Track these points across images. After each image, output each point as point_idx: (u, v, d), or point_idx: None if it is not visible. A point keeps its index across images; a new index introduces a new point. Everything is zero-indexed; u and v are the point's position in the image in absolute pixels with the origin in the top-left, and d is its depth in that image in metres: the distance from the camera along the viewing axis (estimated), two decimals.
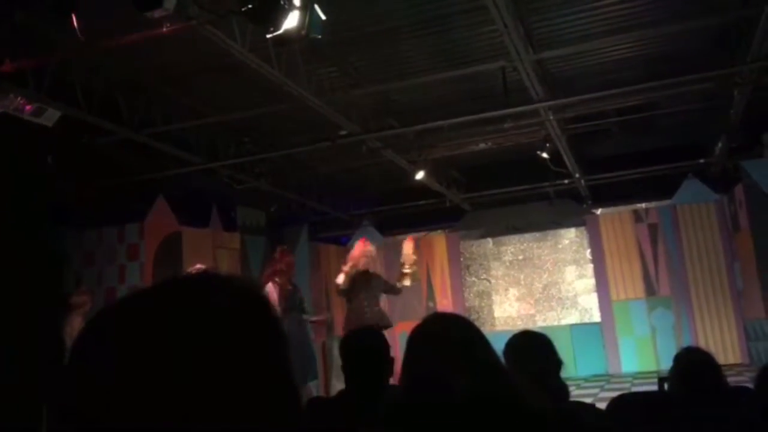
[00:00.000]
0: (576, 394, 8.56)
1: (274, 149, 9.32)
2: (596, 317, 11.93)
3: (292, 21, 4.70)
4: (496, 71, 7.36)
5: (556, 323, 12.11)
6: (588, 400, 4.89)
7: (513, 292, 12.70)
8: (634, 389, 8.83)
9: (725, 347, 10.86)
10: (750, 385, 2.54)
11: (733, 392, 2.74)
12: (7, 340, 6.30)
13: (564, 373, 2.53)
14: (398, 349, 1.80)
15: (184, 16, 4.82)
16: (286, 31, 4.72)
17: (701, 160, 11.15)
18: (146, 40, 5.42)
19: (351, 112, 8.09)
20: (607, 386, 9.86)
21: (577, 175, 11.14)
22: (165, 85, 7.50)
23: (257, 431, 0.61)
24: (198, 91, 7.74)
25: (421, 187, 11.16)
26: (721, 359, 4.00)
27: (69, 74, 6.52)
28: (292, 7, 4.67)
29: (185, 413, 0.58)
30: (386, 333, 3.67)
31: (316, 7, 4.90)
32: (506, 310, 12.68)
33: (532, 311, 12.51)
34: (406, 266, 7.44)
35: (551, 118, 8.49)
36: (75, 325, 6.89)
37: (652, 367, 10.96)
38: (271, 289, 7.12)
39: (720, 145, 10.12)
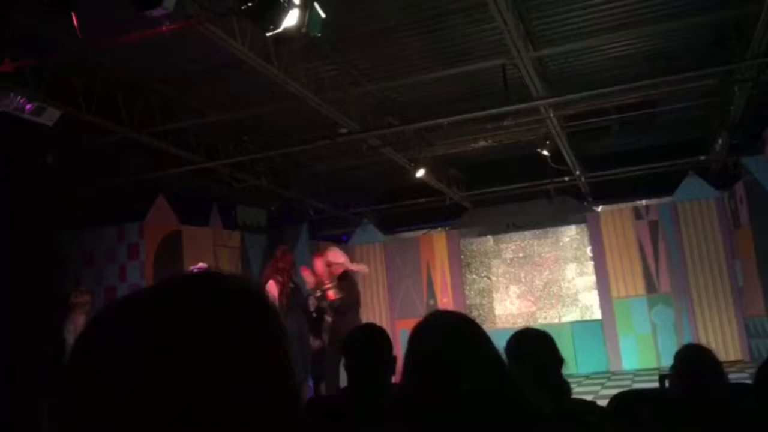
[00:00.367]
0: (577, 391, 8.55)
1: (274, 148, 9.32)
2: (597, 314, 11.94)
3: (291, 19, 4.70)
4: (496, 69, 7.36)
5: (556, 321, 12.11)
6: (589, 398, 4.90)
7: (514, 289, 12.70)
8: (635, 386, 8.84)
9: (726, 344, 10.86)
10: (750, 382, 2.53)
11: (733, 389, 2.73)
12: (7, 340, 6.30)
13: (565, 371, 2.53)
14: (399, 347, 1.80)
15: (183, 15, 4.82)
16: (286, 30, 4.71)
17: (702, 157, 11.15)
18: (146, 40, 5.42)
19: (351, 110, 8.09)
20: (607, 383, 9.86)
21: (577, 173, 11.14)
22: (164, 84, 7.50)
23: (256, 430, 0.61)
24: (198, 89, 7.73)
25: (422, 185, 11.16)
26: (721, 356, 4.01)
27: (69, 74, 6.52)
28: (291, 5, 4.66)
29: (185, 411, 0.58)
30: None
31: (316, 5, 4.90)
32: (507, 307, 12.68)
33: (533, 309, 12.51)
34: (327, 282, 7.41)
35: (551, 115, 8.49)
36: (78, 324, 6.90)
37: (653, 365, 10.97)
38: (272, 287, 7.13)
39: (720, 141, 10.10)
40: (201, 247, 9.55)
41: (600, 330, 11.73)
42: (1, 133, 6.35)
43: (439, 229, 13.73)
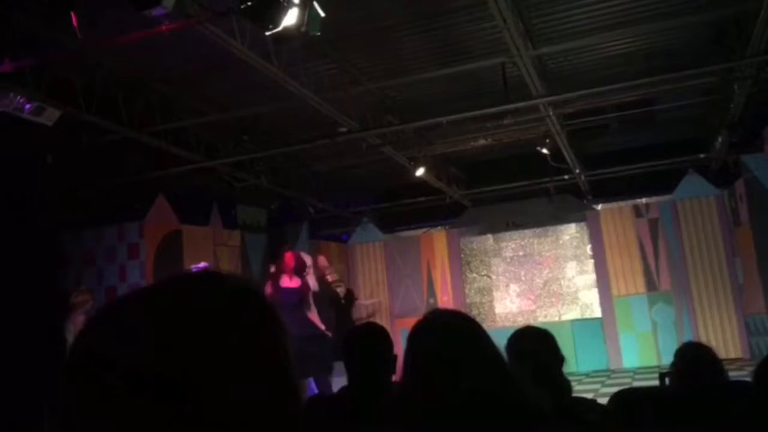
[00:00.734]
0: (577, 389, 8.53)
1: (274, 147, 9.32)
2: (597, 313, 11.94)
3: (291, 18, 4.70)
4: (495, 67, 7.35)
5: (556, 319, 12.11)
6: (589, 396, 4.89)
7: (514, 288, 12.70)
8: (635, 384, 8.84)
9: (726, 342, 10.86)
10: (750, 380, 2.54)
11: (733, 387, 2.74)
12: (8, 340, 6.30)
13: (565, 369, 2.53)
14: (399, 346, 1.80)
15: (183, 15, 4.82)
16: (285, 29, 4.71)
17: (701, 155, 11.15)
18: (145, 39, 5.41)
19: (350, 109, 8.09)
20: (608, 381, 9.86)
21: (577, 171, 11.14)
22: (164, 83, 7.50)
23: (255, 429, 0.61)
24: (198, 89, 7.73)
25: (422, 184, 11.17)
26: (721, 354, 4.01)
27: (69, 74, 6.51)
28: (290, 4, 4.66)
29: (185, 411, 0.58)
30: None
31: (315, 4, 4.89)
32: (507, 306, 12.68)
33: (533, 307, 12.51)
34: (328, 275, 7.56)
35: (551, 113, 8.49)
36: (78, 323, 6.90)
37: (653, 363, 10.96)
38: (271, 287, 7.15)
39: (720, 139, 10.11)
40: (201, 247, 9.55)
41: (600, 328, 11.73)
42: (1, 133, 6.35)
43: (439, 227, 13.73)
